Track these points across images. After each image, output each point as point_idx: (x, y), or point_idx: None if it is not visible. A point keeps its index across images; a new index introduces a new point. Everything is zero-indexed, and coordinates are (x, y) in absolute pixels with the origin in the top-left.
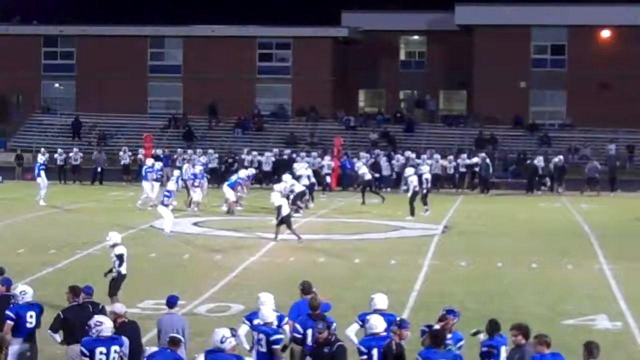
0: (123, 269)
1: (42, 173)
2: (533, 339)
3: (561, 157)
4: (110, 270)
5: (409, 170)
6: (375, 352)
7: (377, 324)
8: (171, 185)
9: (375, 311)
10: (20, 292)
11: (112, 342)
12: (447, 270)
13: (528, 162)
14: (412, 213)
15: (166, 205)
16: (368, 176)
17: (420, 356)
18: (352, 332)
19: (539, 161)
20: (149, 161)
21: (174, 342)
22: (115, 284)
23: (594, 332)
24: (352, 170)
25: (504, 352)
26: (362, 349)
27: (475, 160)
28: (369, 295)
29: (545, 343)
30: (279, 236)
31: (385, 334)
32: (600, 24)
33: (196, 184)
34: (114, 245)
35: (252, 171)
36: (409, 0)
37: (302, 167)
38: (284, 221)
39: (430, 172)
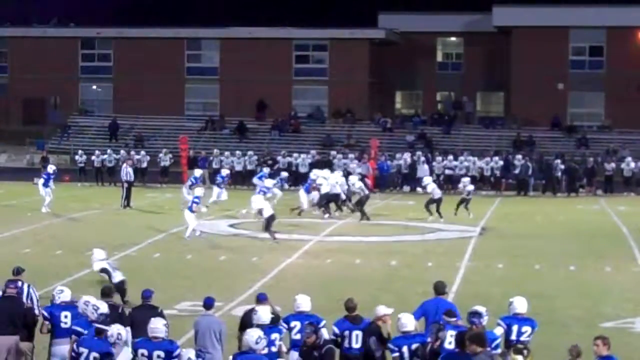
0: (117, 277)
1: (51, 182)
2: (595, 339)
3: (591, 158)
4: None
5: (427, 179)
6: (405, 349)
7: (408, 323)
8: (199, 191)
9: (515, 315)
10: (57, 292)
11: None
12: (485, 272)
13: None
14: (441, 216)
15: (193, 212)
16: (337, 190)
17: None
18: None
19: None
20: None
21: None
22: (122, 294)
23: (632, 334)
24: (389, 172)
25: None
26: (392, 347)
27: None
28: (405, 296)
29: (608, 344)
30: (280, 236)
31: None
32: (638, 25)
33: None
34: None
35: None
36: (446, 2)
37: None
38: (267, 221)
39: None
